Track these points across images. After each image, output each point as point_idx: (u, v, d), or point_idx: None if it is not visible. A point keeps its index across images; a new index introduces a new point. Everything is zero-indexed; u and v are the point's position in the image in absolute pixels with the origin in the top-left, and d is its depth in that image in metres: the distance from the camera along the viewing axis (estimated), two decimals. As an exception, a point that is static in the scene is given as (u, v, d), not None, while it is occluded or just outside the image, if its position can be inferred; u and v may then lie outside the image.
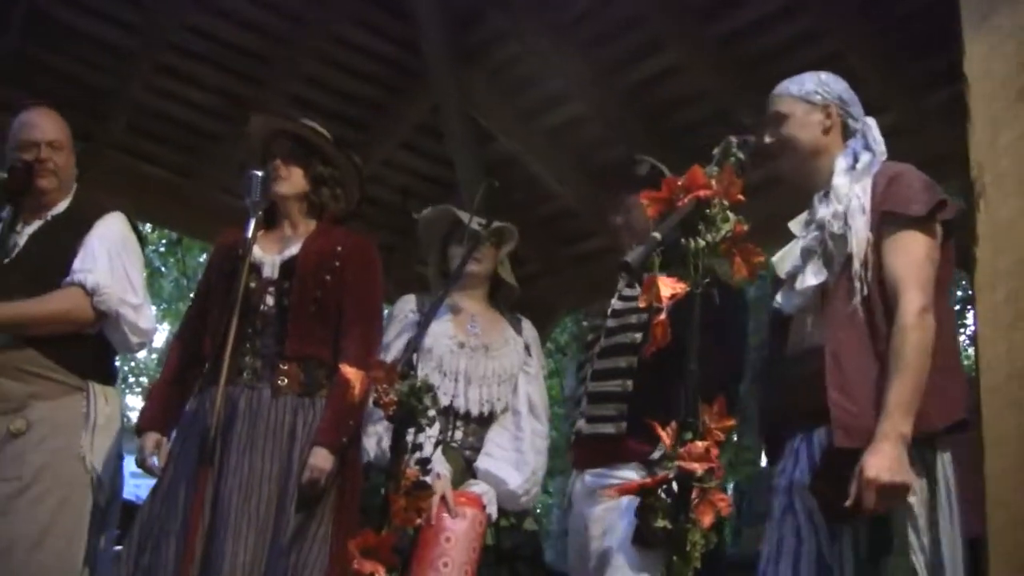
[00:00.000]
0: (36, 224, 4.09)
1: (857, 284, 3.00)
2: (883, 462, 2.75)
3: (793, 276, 3.24)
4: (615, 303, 4.03)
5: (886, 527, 2.84)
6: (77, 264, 3.99)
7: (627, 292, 4.00)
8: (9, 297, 3.86)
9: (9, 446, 3.82)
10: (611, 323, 3.98)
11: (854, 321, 2.99)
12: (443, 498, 3.70)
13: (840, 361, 2.96)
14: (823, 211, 3.17)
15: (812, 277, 3.15)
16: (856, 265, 3.01)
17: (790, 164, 3.33)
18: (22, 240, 4.05)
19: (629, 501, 3.57)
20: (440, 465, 3.72)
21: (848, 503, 2.78)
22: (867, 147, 3.25)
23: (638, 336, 3.81)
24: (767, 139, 3.32)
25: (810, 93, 3.32)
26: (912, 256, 3.00)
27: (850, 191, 3.13)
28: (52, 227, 4.10)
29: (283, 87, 6.95)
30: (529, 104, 6.90)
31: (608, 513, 3.70)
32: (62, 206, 4.15)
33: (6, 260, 3.98)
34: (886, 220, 3.05)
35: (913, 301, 2.93)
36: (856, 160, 3.22)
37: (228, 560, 3.44)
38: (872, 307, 2.99)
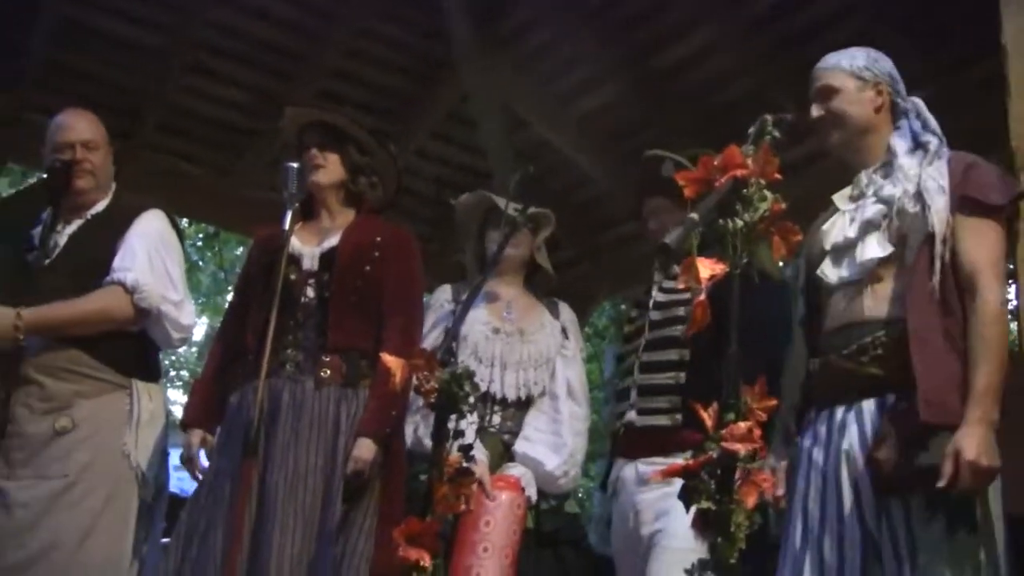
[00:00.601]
0: (76, 224, 4.10)
1: (938, 264, 3.00)
2: (981, 446, 2.77)
3: (844, 248, 3.23)
4: (657, 295, 4.01)
5: (969, 504, 2.85)
6: (117, 262, 4.00)
7: (668, 284, 3.99)
8: (51, 298, 3.88)
9: (55, 444, 3.84)
10: (655, 316, 3.96)
11: (932, 300, 2.99)
12: (480, 483, 3.70)
13: (924, 338, 2.96)
14: (890, 189, 3.17)
15: (877, 249, 3.14)
16: (938, 245, 3.01)
17: (839, 139, 3.30)
18: (62, 240, 4.06)
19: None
20: (477, 450, 3.72)
21: (942, 483, 2.78)
22: (927, 128, 3.24)
23: None
24: (815, 112, 3.31)
25: (861, 69, 3.29)
26: (990, 246, 3.02)
27: (921, 172, 3.13)
28: (91, 226, 4.11)
29: (313, 82, 6.98)
30: (560, 90, 6.90)
31: (663, 499, 3.65)
32: (101, 205, 4.17)
33: (46, 261, 3.99)
34: (964, 204, 3.04)
35: (996, 292, 2.95)
36: (915, 140, 3.22)
37: (276, 553, 3.45)
38: (946, 287, 2.99)
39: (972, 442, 2.77)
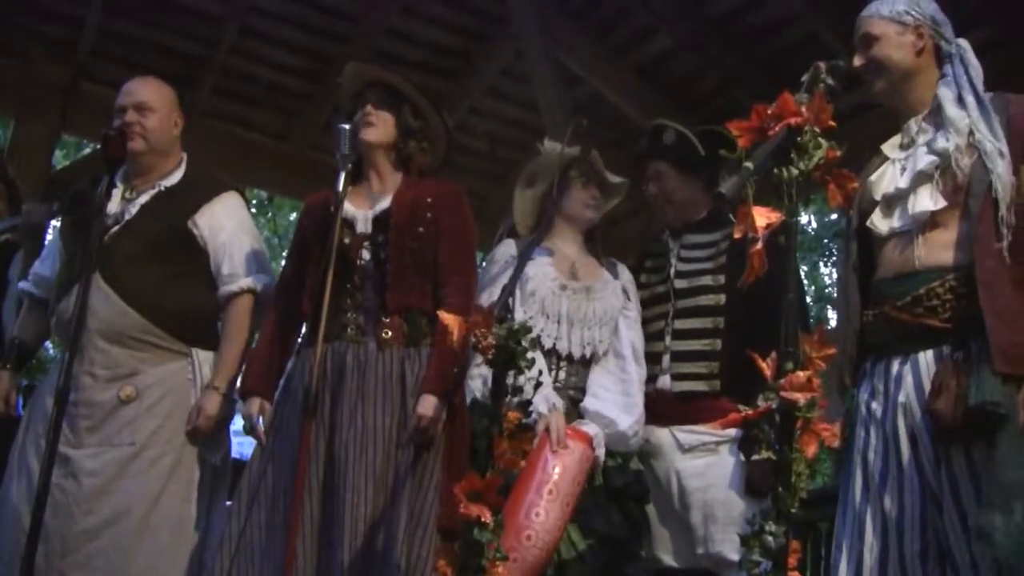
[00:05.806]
0: (149, 194, 4.12)
1: (1004, 230, 2.99)
2: None
3: (895, 198, 3.22)
4: (678, 265, 4.15)
5: None
6: (238, 267, 4.11)
7: (685, 253, 4.15)
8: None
9: (120, 412, 3.91)
10: (681, 284, 4.11)
11: (1000, 253, 2.99)
12: (556, 429, 3.69)
13: (994, 290, 2.95)
14: (943, 142, 3.15)
15: (929, 201, 3.13)
16: (1003, 210, 3.00)
17: (884, 86, 3.30)
18: (133, 209, 4.08)
19: (728, 452, 3.82)
20: (556, 398, 3.75)
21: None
22: (969, 79, 3.21)
23: (721, 297, 3.98)
24: (857, 61, 3.29)
25: (901, 14, 3.27)
26: None
27: (973, 127, 3.11)
28: (164, 197, 4.13)
29: (368, 42, 6.97)
30: (615, 41, 6.84)
31: (710, 468, 3.86)
32: (176, 177, 4.19)
33: (115, 228, 4.02)
34: None
35: None
36: (960, 89, 3.19)
37: (349, 513, 3.47)
38: (1017, 238, 3.00)
39: None
